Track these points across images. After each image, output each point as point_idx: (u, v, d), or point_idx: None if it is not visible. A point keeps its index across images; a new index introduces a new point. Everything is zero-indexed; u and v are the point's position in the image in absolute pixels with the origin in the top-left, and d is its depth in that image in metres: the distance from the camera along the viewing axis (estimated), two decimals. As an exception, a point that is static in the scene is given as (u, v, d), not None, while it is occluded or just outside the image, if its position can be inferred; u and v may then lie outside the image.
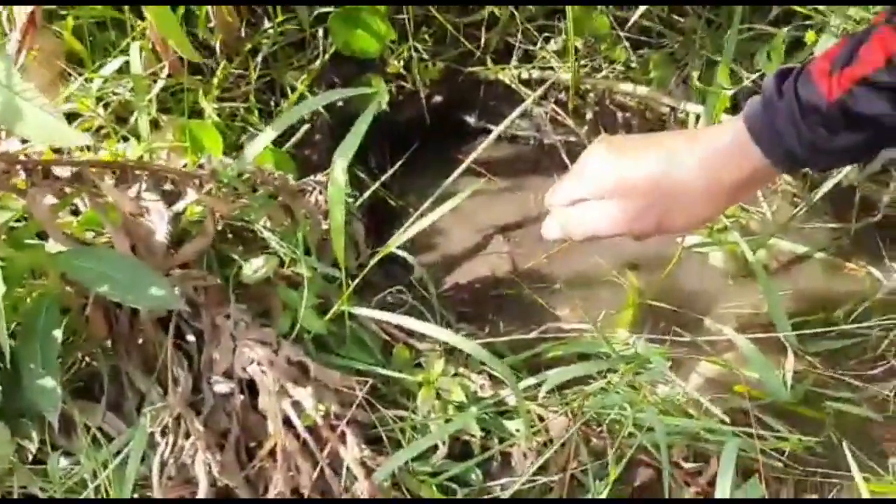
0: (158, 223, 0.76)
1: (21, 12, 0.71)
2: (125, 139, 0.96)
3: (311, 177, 0.93)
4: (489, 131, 1.34)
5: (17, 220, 0.71)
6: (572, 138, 1.30)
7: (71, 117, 0.95)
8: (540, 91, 1.27)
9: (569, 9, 1.14)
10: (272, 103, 1.17)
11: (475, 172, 1.29)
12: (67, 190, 0.70)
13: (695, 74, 1.17)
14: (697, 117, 1.14)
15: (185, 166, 0.97)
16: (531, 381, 0.83)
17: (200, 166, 0.81)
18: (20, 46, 0.75)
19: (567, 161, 1.25)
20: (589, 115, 1.30)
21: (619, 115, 1.31)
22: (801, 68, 0.66)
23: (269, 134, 0.78)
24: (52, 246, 0.72)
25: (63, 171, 0.68)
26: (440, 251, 1.17)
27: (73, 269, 0.68)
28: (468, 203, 1.24)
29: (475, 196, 1.25)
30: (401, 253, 0.91)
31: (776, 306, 0.94)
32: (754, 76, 1.02)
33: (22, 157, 0.65)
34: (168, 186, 0.83)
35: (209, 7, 1.00)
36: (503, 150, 1.33)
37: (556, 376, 0.79)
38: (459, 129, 1.34)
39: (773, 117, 0.66)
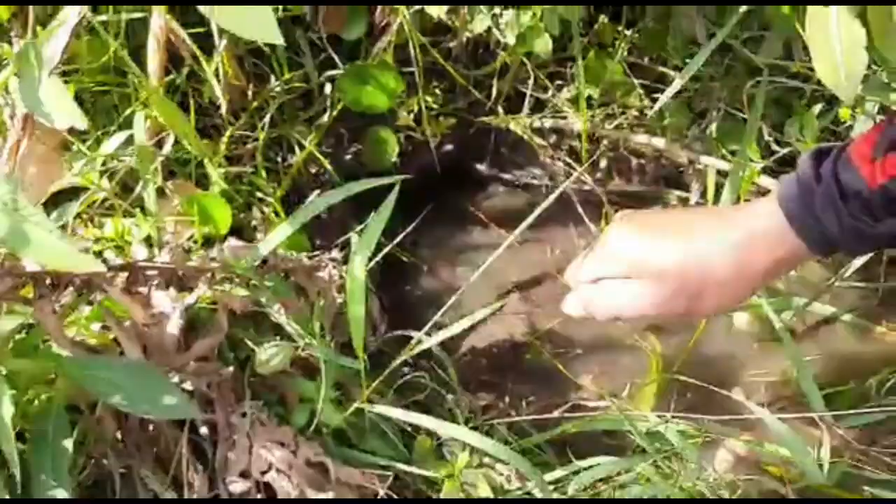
0: (169, 318, 0.73)
1: (20, 108, 0.68)
2: (130, 214, 0.92)
3: (325, 254, 0.90)
4: (500, 180, 1.33)
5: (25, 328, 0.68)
6: (586, 187, 1.26)
7: (76, 191, 0.92)
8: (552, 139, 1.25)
9: (579, 59, 1.11)
10: (278, 159, 1.14)
11: (487, 223, 1.27)
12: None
13: (713, 127, 1.14)
14: (717, 171, 1.12)
15: (192, 238, 0.94)
16: (559, 473, 0.80)
17: (213, 258, 0.77)
18: (20, 136, 0.71)
19: (581, 211, 1.22)
20: (603, 163, 1.28)
21: (634, 161, 1.28)
22: (839, 151, 0.63)
23: (286, 228, 0.75)
24: (61, 349, 0.68)
25: (72, 279, 0.65)
26: (457, 312, 1.13)
27: (83, 379, 0.65)
28: (483, 257, 1.23)
29: (490, 249, 1.24)
30: (431, 344, 0.87)
31: (806, 378, 0.91)
32: (784, 151, 0.99)
33: (30, 268, 0.62)
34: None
35: (216, 69, 0.96)
36: (517, 199, 1.30)
37: (585, 475, 0.76)
38: (470, 178, 1.31)
39: (811, 201, 0.63)
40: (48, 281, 0.63)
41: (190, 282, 0.74)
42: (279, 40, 0.58)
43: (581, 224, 1.24)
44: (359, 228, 0.98)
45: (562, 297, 1.07)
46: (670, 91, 0.98)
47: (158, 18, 0.90)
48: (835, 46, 0.64)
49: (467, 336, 1.09)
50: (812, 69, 1.00)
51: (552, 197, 0.78)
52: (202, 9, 0.58)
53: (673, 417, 0.89)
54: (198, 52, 0.93)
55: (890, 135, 0.60)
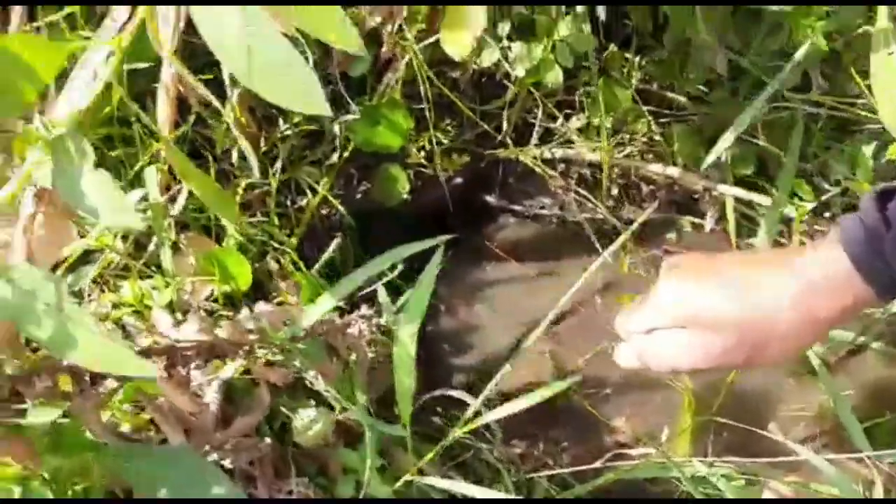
0: (207, 396, 0.69)
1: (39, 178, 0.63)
2: (146, 274, 0.89)
3: (356, 312, 0.86)
4: (510, 211, 1.30)
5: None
6: (598, 216, 1.24)
7: (87, 253, 0.88)
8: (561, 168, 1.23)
9: (599, 91, 1.10)
10: (288, 203, 1.10)
11: (500, 257, 1.24)
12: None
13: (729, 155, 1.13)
14: (735, 198, 1.10)
15: (211, 295, 0.90)
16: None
17: (249, 330, 0.74)
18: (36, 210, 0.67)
19: (595, 241, 1.20)
20: (614, 191, 1.26)
21: (644, 188, 1.27)
22: None
23: (327, 301, 0.72)
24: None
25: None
26: (478, 351, 1.11)
27: (125, 471, 0.61)
28: (500, 293, 1.21)
29: (506, 284, 1.21)
30: (462, 396, 0.84)
31: (845, 412, 0.90)
32: (834, 191, 0.97)
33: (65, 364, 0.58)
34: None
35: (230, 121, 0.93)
36: (527, 230, 1.28)
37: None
38: (480, 210, 1.28)
39: (880, 247, 0.61)
40: (88, 377, 0.59)
41: (226, 356, 0.70)
42: (328, 112, 0.55)
43: (595, 255, 1.22)
44: (384, 280, 0.96)
45: (583, 333, 1.05)
46: (725, 142, 0.94)
47: (170, 67, 0.86)
48: None
49: (492, 377, 1.07)
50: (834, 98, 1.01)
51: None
52: (235, 73, 0.54)
53: (716, 462, 0.87)
54: (213, 100, 0.89)
55: None
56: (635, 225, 0.99)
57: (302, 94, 0.54)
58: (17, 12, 0.67)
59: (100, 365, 0.49)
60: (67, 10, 0.77)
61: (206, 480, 0.61)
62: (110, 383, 0.62)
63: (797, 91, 1.06)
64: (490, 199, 1.28)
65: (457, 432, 0.77)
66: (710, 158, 1.06)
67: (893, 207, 0.61)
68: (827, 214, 1.06)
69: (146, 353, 0.64)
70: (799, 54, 0.88)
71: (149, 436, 0.68)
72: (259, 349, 0.74)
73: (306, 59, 0.55)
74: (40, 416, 0.61)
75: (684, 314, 0.69)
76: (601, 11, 1.09)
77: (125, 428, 0.68)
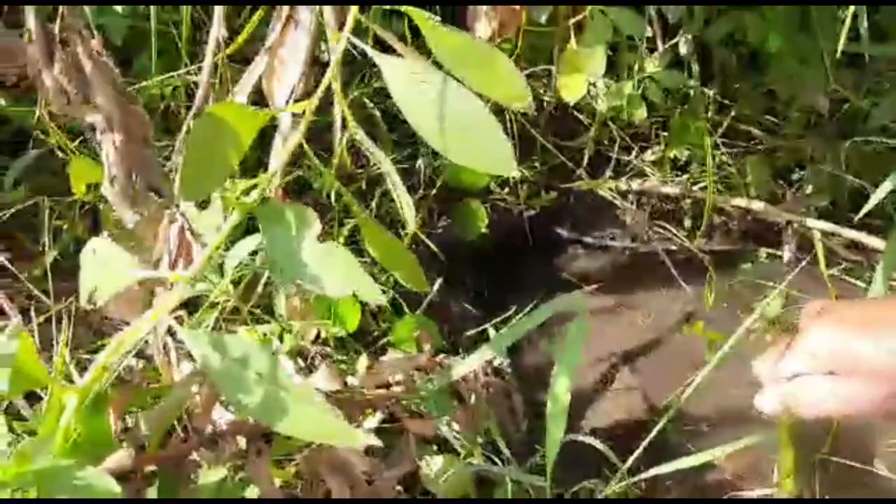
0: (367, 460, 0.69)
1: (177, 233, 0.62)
2: (258, 319, 0.88)
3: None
4: (581, 242, 1.31)
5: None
6: (672, 247, 1.25)
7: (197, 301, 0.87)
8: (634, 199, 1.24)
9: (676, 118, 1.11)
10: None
11: (572, 286, 1.24)
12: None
13: (811, 187, 1.14)
14: (821, 232, 1.11)
15: (318, 337, 0.90)
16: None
17: (397, 382, 0.74)
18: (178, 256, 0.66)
19: (674, 272, 1.21)
20: (686, 222, 1.27)
21: (717, 219, 1.27)
22: None
23: (485, 353, 0.72)
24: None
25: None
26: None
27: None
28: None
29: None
30: (607, 451, 0.84)
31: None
32: None
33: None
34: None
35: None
36: (598, 260, 1.29)
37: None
38: (551, 242, 1.29)
39: None
40: (261, 434, 0.59)
41: (375, 409, 0.70)
42: (516, 173, 0.56)
43: (671, 286, 1.22)
44: (495, 321, 0.96)
45: (671, 367, 1.04)
46: (867, 207, 0.95)
47: (340, 133, 0.86)
48: None
49: (583, 416, 1.07)
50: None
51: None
52: (431, 141, 0.54)
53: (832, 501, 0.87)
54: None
55: None
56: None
57: (494, 156, 0.54)
58: (207, 67, 0.67)
59: (313, 436, 0.49)
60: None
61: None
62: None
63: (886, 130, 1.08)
64: (561, 231, 1.29)
65: (613, 487, 0.76)
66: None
67: None
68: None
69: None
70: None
71: (296, 489, 0.67)
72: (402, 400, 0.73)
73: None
74: (211, 475, 0.60)
75: (837, 360, 0.68)
76: (683, 47, 1.10)
77: (277, 481, 0.67)
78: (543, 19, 0.87)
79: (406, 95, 0.53)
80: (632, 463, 0.84)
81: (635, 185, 1.22)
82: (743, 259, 1.25)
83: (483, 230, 1.18)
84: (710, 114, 1.17)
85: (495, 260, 1.22)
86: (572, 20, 0.88)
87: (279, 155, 0.56)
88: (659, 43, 1.08)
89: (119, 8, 0.87)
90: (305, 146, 0.56)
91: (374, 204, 1.03)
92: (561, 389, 0.68)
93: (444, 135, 0.54)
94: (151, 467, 0.55)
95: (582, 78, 0.91)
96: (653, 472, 0.76)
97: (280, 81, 0.74)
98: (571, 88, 0.94)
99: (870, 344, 0.67)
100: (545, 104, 1.18)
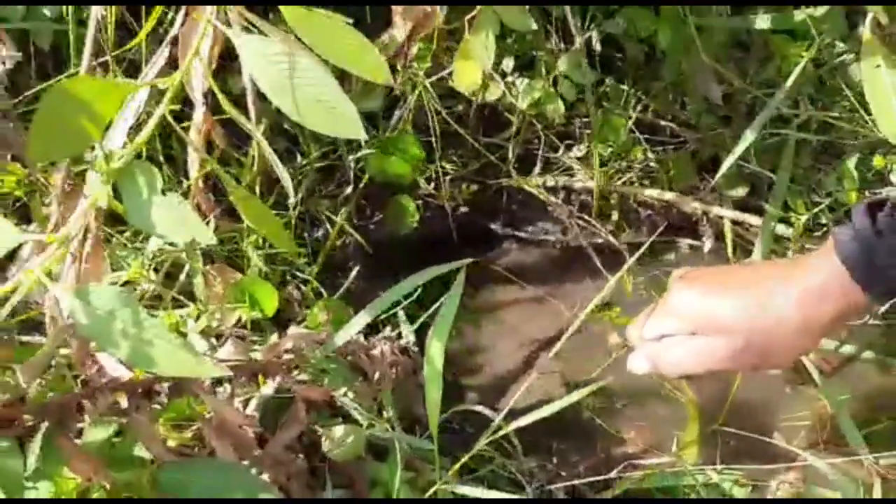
0: (249, 417, 0.73)
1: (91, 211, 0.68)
2: (178, 303, 0.93)
3: (379, 335, 0.91)
4: (514, 237, 1.36)
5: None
6: (598, 240, 1.30)
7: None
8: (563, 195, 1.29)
9: (596, 120, 1.16)
10: (305, 235, 1.15)
11: (506, 280, 1.29)
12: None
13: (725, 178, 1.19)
14: (733, 222, 1.16)
15: (238, 321, 0.95)
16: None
17: (287, 350, 0.78)
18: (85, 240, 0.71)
19: (599, 264, 1.25)
20: (614, 216, 1.31)
21: (643, 213, 1.32)
22: (894, 204, 0.67)
23: (358, 322, 0.77)
24: (144, 453, 0.69)
25: (164, 386, 0.65)
26: (489, 372, 1.16)
27: (178, 486, 0.65)
28: (507, 315, 1.26)
29: (513, 306, 1.26)
30: (485, 411, 0.89)
31: (844, 418, 0.95)
32: (826, 200, 1.03)
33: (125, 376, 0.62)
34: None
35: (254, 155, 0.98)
36: (530, 254, 1.33)
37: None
38: (484, 237, 1.34)
39: (871, 255, 0.67)
40: (141, 391, 0.64)
41: (266, 374, 0.75)
42: (363, 135, 0.61)
43: (598, 278, 1.27)
44: (405, 304, 1.01)
45: (589, 352, 1.09)
46: (726, 164, 1.02)
47: (202, 108, 0.91)
48: (892, 102, 0.69)
49: (503, 398, 1.11)
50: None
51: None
52: (283, 107, 0.60)
53: (724, 469, 0.92)
54: (251, 130, 0.94)
55: None
56: (643, 248, 1.05)
57: (343, 123, 0.59)
58: (87, 53, 0.73)
59: (179, 372, 0.54)
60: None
61: (253, 490, 0.65)
62: (162, 399, 0.66)
63: (785, 122, 1.13)
64: (494, 226, 1.34)
65: (482, 442, 0.81)
66: (716, 180, 1.12)
67: (882, 217, 0.67)
68: (817, 234, 1.12)
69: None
70: (790, 80, 0.94)
71: (194, 452, 0.72)
72: (294, 370, 0.78)
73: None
74: (96, 433, 0.65)
75: (697, 320, 0.74)
76: (597, 44, 1.15)
77: (172, 443, 0.72)
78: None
79: (260, 70, 0.58)
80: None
81: (561, 180, 1.27)
82: (666, 250, 1.29)
83: (414, 225, 1.22)
84: (630, 111, 1.22)
85: (427, 254, 1.27)
86: (468, 16, 0.94)
87: (146, 128, 0.62)
88: (577, 38, 1.14)
89: (47, 11, 0.92)
90: (171, 121, 0.61)
91: (297, 198, 1.08)
92: (435, 353, 0.73)
93: (297, 104, 0.59)
94: (32, 419, 0.59)
95: (474, 66, 0.97)
96: (523, 421, 0.79)
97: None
98: (464, 76, 0.99)
99: (725, 303, 0.72)
100: (473, 104, 1.24)
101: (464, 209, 1.29)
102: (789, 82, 0.93)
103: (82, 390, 0.61)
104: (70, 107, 0.54)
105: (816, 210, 1.03)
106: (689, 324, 0.74)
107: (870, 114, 0.78)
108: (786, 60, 0.93)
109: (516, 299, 1.26)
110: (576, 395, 0.79)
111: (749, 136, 0.98)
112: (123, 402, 0.64)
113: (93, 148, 0.71)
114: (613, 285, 1.23)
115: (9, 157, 0.62)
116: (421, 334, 1.04)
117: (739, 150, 1.00)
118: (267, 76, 0.59)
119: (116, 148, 0.63)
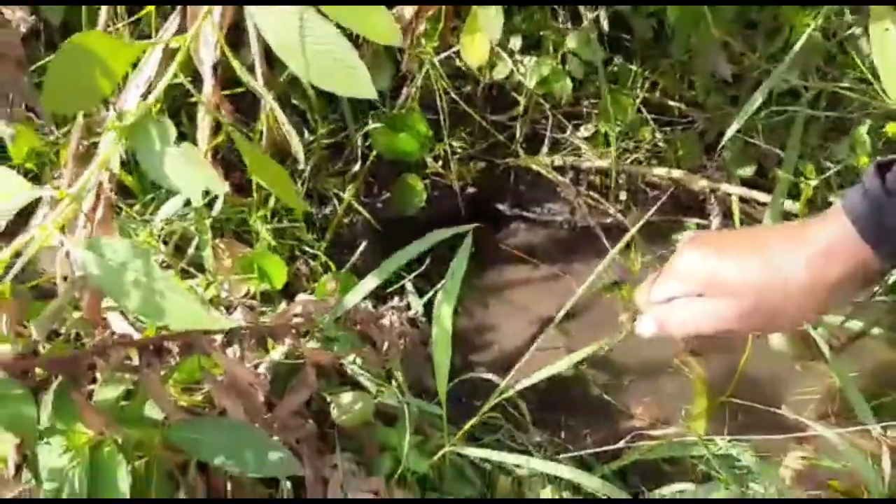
0: (259, 376, 0.74)
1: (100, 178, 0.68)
2: (186, 273, 0.94)
3: (388, 304, 0.91)
4: (523, 218, 1.36)
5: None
6: (607, 220, 1.30)
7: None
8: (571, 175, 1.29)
9: (606, 98, 1.16)
10: (315, 212, 1.16)
11: (513, 260, 1.29)
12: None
13: (733, 155, 1.19)
14: (739, 198, 1.16)
15: (247, 294, 0.95)
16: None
17: (296, 314, 0.79)
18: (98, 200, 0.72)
19: (607, 244, 1.25)
20: (623, 196, 1.32)
21: (650, 193, 1.32)
22: None
23: (364, 288, 0.77)
24: (155, 413, 0.69)
25: (175, 343, 0.66)
26: (496, 349, 1.16)
27: (188, 443, 0.66)
28: (515, 294, 1.26)
29: (521, 285, 1.27)
30: (492, 377, 0.89)
31: (853, 391, 0.95)
32: (837, 167, 1.03)
33: (135, 336, 0.63)
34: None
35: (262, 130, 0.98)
36: (538, 235, 1.33)
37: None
38: (493, 217, 1.34)
39: (881, 214, 0.66)
40: (152, 348, 0.64)
41: (275, 338, 0.75)
42: (373, 94, 0.61)
43: (604, 255, 1.27)
44: (413, 275, 1.01)
45: (597, 329, 1.09)
46: (729, 133, 1.02)
47: (211, 80, 0.92)
48: None
49: (510, 373, 1.11)
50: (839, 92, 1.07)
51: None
52: (291, 65, 0.60)
53: (733, 440, 0.91)
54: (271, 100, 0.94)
55: None
56: (642, 221, 1.05)
57: (353, 81, 0.60)
58: (104, 12, 0.73)
59: (188, 324, 0.54)
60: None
61: (262, 448, 0.66)
62: (174, 358, 0.66)
63: (795, 96, 1.13)
64: (502, 207, 1.34)
65: (489, 404, 0.81)
66: (719, 152, 1.11)
67: (892, 176, 0.66)
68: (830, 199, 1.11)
69: (209, 331, 0.69)
70: (797, 46, 0.93)
71: (204, 413, 0.72)
72: (303, 336, 0.78)
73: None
74: (108, 391, 0.65)
75: (704, 281, 0.73)
76: (605, 23, 1.15)
77: (182, 404, 0.72)
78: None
79: (270, 30, 0.59)
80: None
81: (569, 160, 1.27)
82: (674, 230, 1.29)
83: (422, 205, 1.23)
84: (638, 90, 1.22)
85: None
86: (475, -8, 0.94)
87: (158, 87, 0.62)
88: (587, 15, 1.14)
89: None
90: (183, 80, 0.61)
91: (306, 174, 1.09)
92: (444, 317, 0.73)
93: (308, 64, 0.59)
94: (44, 373, 0.60)
95: (482, 40, 0.97)
96: (527, 382, 0.80)
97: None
98: (472, 50, 0.99)
99: (732, 265, 0.72)
100: (481, 84, 1.24)
101: (472, 189, 1.30)
102: (796, 48, 0.92)
103: (93, 346, 0.62)
104: (85, 61, 0.55)
105: (827, 175, 1.02)
106: (695, 285, 0.74)
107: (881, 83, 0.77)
108: (794, 31, 0.92)
109: (525, 279, 1.27)
110: (578, 355, 0.78)
111: (754, 104, 0.98)
112: (135, 360, 0.65)
113: (107, 108, 0.72)
114: (616, 259, 1.25)
115: (23, 105, 0.63)
116: (429, 308, 1.04)
117: (743, 118, 1.00)
118: (277, 36, 0.59)
119: (129, 108, 0.64)
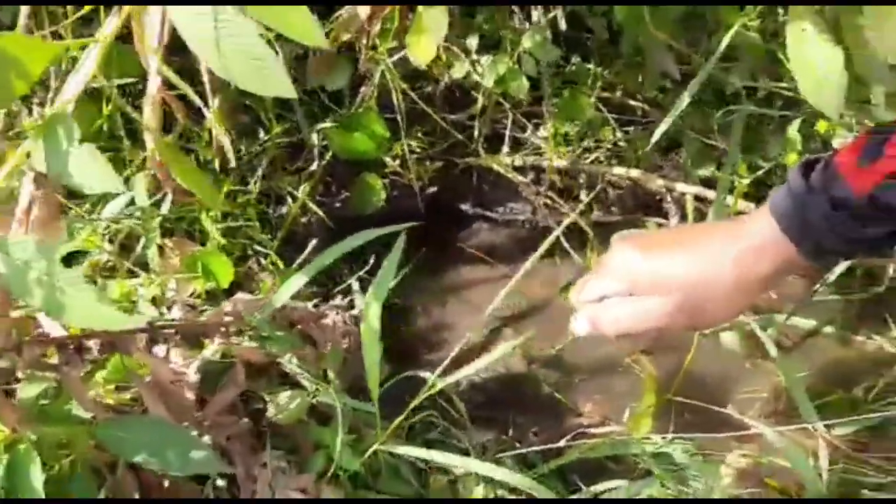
0: (187, 374, 0.74)
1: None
2: (132, 273, 0.94)
3: (330, 302, 0.92)
4: (485, 218, 1.36)
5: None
6: (568, 220, 1.30)
7: (74, 254, 0.94)
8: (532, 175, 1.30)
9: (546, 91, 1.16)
10: (270, 210, 1.16)
11: (474, 260, 1.30)
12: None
13: (689, 155, 1.20)
14: (694, 196, 1.16)
15: (194, 293, 0.96)
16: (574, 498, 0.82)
17: (226, 312, 0.79)
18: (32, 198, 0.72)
19: (566, 244, 1.26)
20: (582, 196, 1.32)
21: (612, 193, 1.33)
22: (826, 162, 0.67)
23: (299, 279, 0.77)
24: (81, 412, 0.70)
25: (95, 342, 0.66)
26: (451, 347, 1.16)
27: (111, 441, 0.66)
28: (473, 294, 1.26)
29: (479, 285, 1.27)
30: (433, 377, 0.89)
31: (798, 390, 0.95)
32: (768, 164, 1.04)
33: (54, 335, 0.63)
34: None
35: (209, 128, 0.99)
36: (500, 234, 1.34)
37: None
38: (454, 217, 1.34)
39: (803, 212, 0.66)
40: (72, 347, 0.65)
41: (207, 336, 0.76)
42: (293, 94, 0.61)
43: (565, 256, 1.27)
44: (358, 274, 1.02)
45: (552, 328, 1.10)
46: (657, 134, 1.03)
47: (156, 78, 0.93)
48: (816, 65, 0.69)
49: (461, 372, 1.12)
50: (781, 92, 1.08)
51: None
52: (210, 64, 0.60)
53: (675, 438, 0.92)
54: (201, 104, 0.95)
55: (873, 145, 0.64)
56: (572, 217, 1.04)
57: (270, 79, 0.60)
58: (23, 13, 0.74)
59: (87, 322, 0.55)
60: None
61: (184, 445, 0.66)
62: (93, 343, 0.67)
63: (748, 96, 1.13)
64: (464, 207, 1.35)
65: (419, 398, 0.81)
66: (651, 144, 1.12)
67: (815, 176, 0.67)
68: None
69: (132, 330, 0.69)
70: (723, 44, 0.95)
71: (133, 410, 0.73)
72: (237, 335, 0.79)
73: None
74: (29, 388, 0.66)
75: (633, 280, 0.74)
76: (562, 22, 1.16)
77: (110, 403, 0.73)
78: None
79: (186, 23, 0.59)
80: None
81: (529, 160, 1.27)
82: (635, 229, 1.29)
83: (381, 204, 1.23)
84: (596, 90, 1.23)
85: (395, 233, 1.27)
86: (424, -8, 0.95)
87: (74, 84, 0.63)
88: (539, 15, 1.14)
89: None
90: (101, 78, 0.62)
91: (259, 173, 1.09)
92: (372, 316, 0.73)
93: (224, 59, 0.60)
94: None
95: (429, 40, 0.98)
96: (461, 373, 0.80)
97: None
98: (419, 50, 1.00)
99: (661, 262, 0.72)
100: (440, 84, 1.24)
101: (433, 189, 1.30)
102: (722, 45, 0.93)
103: (9, 344, 0.62)
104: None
105: (759, 173, 1.03)
106: (626, 284, 0.74)
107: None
108: (727, 29, 0.93)
109: (484, 278, 1.27)
110: (503, 349, 0.79)
111: (683, 101, 1.00)
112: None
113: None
114: (579, 262, 1.26)
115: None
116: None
117: (672, 117, 1.01)
118: (194, 34, 0.59)
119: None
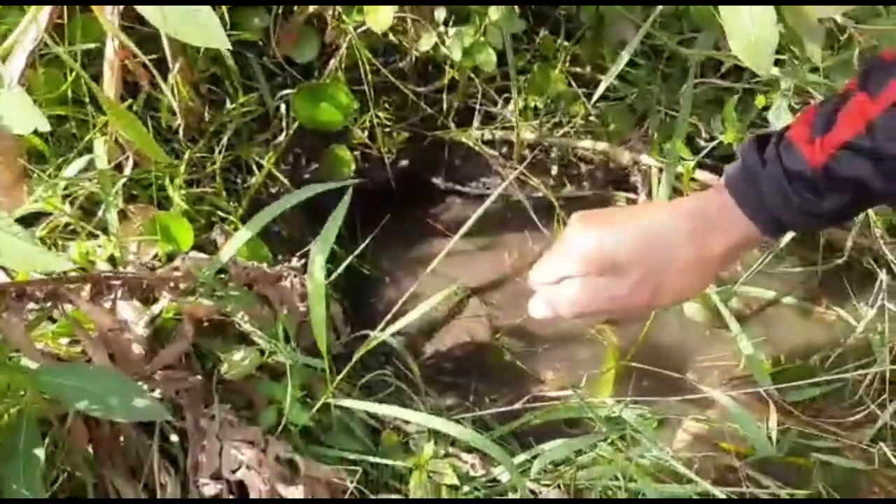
0: (135, 328, 0.75)
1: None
2: (93, 235, 0.95)
3: (286, 263, 0.92)
4: (456, 192, 1.37)
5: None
6: (538, 194, 1.31)
7: (38, 216, 0.94)
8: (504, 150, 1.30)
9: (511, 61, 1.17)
10: (238, 181, 1.17)
11: (445, 234, 1.30)
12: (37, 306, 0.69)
13: (653, 128, 1.20)
14: (660, 170, 1.17)
15: (155, 256, 0.96)
16: (522, 457, 0.83)
17: (175, 268, 0.80)
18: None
19: (534, 217, 1.26)
20: (554, 170, 1.32)
21: (583, 167, 1.33)
22: (780, 135, 0.67)
23: (244, 233, 0.78)
24: (28, 362, 0.70)
25: (37, 290, 0.67)
26: (416, 317, 1.17)
27: (52, 388, 0.67)
28: (443, 266, 1.26)
29: (449, 257, 1.27)
30: (386, 337, 0.89)
31: (755, 360, 0.96)
32: (712, 144, 1.05)
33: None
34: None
35: (171, 93, 0.99)
36: (471, 209, 1.34)
37: (548, 454, 0.79)
38: (426, 191, 1.35)
39: (758, 185, 0.66)
40: (14, 293, 0.65)
41: (155, 292, 0.76)
42: (226, 45, 0.62)
43: (535, 230, 1.28)
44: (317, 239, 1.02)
45: (519, 299, 1.11)
46: (600, 89, 1.04)
47: (114, 43, 0.93)
48: (746, 23, 0.70)
49: (430, 340, 1.13)
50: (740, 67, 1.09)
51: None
52: (147, 15, 0.61)
53: (630, 402, 0.92)
54: (156, 74, 0.96)
55: (824, 115, 0.64)
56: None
57: (206, 31, 0.61)
58: None
59: (22, 264, 0.55)
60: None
61: (127, 393, 0.67)
62: (36, 291, 0.67)
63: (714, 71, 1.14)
64: (436, 181, 1.35)
65: (361, 351, 0.82)
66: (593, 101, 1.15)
67: (769, 150, 0.66)
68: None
69: (75, 279, 0.70)
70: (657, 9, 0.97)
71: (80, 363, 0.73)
72: (191, 294, 0.79)
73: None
74: (-30, 336, 0.67)
75: (589, 260, 0.72)
76: (529, -4, 1.16)
77: (60, 354, 0.73)
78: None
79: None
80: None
81: (500, 134, 1.28)
82: (606, 203, 1.30)
83: (350, 175, 1.23)
84: (564, 63, 1.23)
85: (365, 204, 1.28)
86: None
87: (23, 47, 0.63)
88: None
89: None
90: (49, 42, 0.63)
91: (224, 142, 1.10)
92: (317, 270, 0.74)
93: (165, 16, 0.60)
94: None
95: (386, 8, 0.98)
96: (383, 337, 0.81)
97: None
98: (374, 17, 1.00)
99: (617, 241, 0.70)
100: (410, 57, 1.25)
101: (404, 162, 1.30)
102: (657, 11, 0.94)
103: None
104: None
105: (701, 155, 1.04)
106: (583, 264, 0.72)
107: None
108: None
109: (453, 251, 1.27)
110: (441, 295, 0.80)
111: (620, 63, 1.04)
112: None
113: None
114: (548, 236, 1.26)
115: None
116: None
117: (609, 78, 1.06)
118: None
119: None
